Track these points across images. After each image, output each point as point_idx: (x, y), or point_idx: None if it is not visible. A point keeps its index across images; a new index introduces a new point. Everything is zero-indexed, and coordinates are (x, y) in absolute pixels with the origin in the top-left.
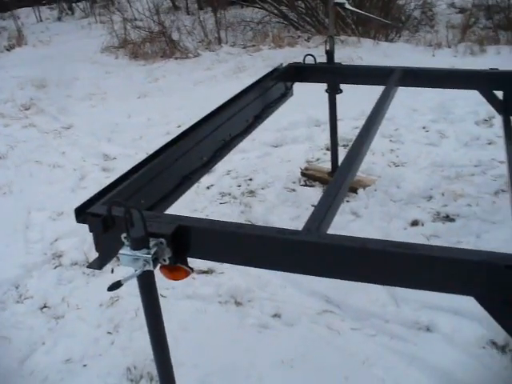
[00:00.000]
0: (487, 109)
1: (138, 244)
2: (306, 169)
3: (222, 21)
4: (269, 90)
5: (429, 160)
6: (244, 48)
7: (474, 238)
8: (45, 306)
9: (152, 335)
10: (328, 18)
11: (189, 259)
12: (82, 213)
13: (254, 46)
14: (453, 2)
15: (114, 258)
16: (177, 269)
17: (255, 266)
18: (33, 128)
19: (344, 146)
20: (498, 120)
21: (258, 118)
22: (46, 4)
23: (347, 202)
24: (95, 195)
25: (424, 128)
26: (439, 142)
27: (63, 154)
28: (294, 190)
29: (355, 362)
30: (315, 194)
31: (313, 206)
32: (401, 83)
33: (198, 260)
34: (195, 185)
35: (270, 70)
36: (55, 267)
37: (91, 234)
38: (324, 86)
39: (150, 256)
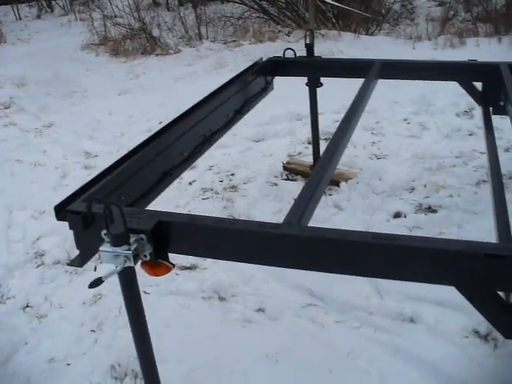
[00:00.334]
0: (467, 100)
1: (118, 240)
2: (288, 163)
3: (202, 16)
4: (249, 84)
5: (410, 152)
6: (225, 43)
7: (456, 228)
8: (27, 306)
9: (134, 332)
10: (308, 12)
11: (171, 255)
12: (62, 210)
13: (234, 41)
14: None
15: (98, 256)
16: (158, 265)
17: (236, 261)
18: (13, 127)
19: (325, 139)
20: (479, 111)
21: (239, 113)
22: (25, 2)
23: (329, 195)
24: (75, 192)
25: (405, 120)
26: (420, 134)
27: (44, 152)
28: (276, 185)
29: (340, 355)
30: (297, 187)
31: (295, 199)
32: (381, 76)
33: (181, 256)
34: (177, 181)
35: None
36: (37, 266)
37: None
38: (304, 79)
39: (130, 252)
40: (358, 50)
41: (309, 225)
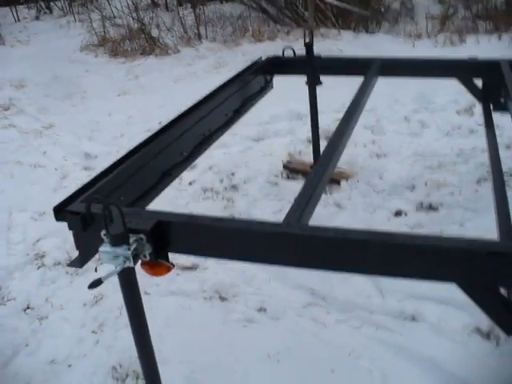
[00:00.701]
0: (468, 98)
1: (118, 240)
2: (289, 162)
3: (201, 16)
4: (248, 83)
5: (411, 150)
6: (224, 43)
7: (458, 226)
8: (28, 307)
9: (135, 332)
10: (307, 11)
11: (172, 255)
12: (61, 211)
13: (233, 40)
14: None
15: (98, 257)
16: (158, 265)
17: (237, 260)
18: (13, 128)
19: (326, 138)
20: (479, 109)
21: (238, 112)
22: (24, 3)
23: (330, 194)
24: (74, 193)
25: (405, 118)
26: (421, 132)
27: (44, 153)
28: (276, 184)
29: (341, 354)
30: (298, 186)
31: (295, 198)
32: (380, 73)
33: (182, 256)
34: (177, 181)
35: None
36: (38, 268)
37: None
38: (304, 78)
39: (129, 252)
40: (357, 48)
41: (309, 223)
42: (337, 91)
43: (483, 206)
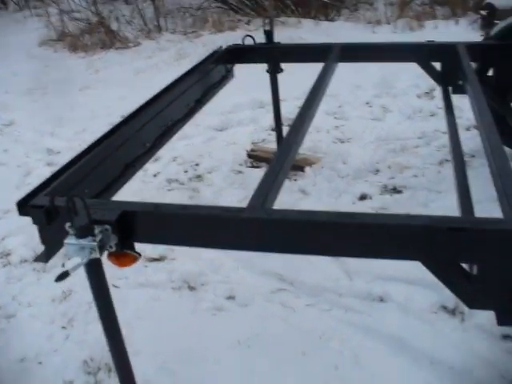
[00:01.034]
0: (428, 82)
1: (83, 232)
2: (252, 150)
3: (161, 8)
4: (209, 73)
5: (374, 135)
6: (184, 35)
7: (422, 207)
8: None
9: (105, 325)
10: (267, 0)
11: (139, 247)
12: (25, 206)
13: (194, 32)
14: None
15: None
16: (124, 255)
17: (202, 247)
18: None
19: (289, 125)
20: (439, 92)
21: (200, 102)
22: None
23: (294, 180)
24: (37, 187)
25: (367, 103)
26: (383, 117)
27: (5, 151)
28: (240, 172)
29: (312, 338)
30: (262, 174)
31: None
32: (341, 59)
33: (149, 248)
34: (142, 173)
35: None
36: (3, 266)
37: None
38: (265, 66)
39: (95, 243)
40: (318, 36)
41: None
42: (298, 78)
43: (446, 186)
